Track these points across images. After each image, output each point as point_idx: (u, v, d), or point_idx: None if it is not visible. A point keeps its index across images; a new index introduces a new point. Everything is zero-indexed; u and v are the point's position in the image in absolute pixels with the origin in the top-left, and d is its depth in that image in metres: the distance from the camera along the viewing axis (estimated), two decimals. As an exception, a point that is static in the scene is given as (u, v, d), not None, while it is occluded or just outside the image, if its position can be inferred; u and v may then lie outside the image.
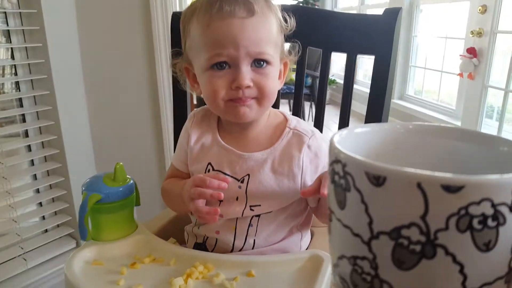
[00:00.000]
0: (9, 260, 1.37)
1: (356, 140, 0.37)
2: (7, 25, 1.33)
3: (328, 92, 5.15)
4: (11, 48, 1.37)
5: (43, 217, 1.51)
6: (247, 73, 0.65)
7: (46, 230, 1.51)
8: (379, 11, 0.86)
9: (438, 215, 0.26)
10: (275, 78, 0.70)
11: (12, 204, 1.34)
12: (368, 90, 0.88)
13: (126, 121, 1.52)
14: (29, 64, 1.39)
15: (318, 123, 0.95)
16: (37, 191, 1.48)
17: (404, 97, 3.97)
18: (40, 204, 1.50)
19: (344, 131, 0.36)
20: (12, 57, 1.38)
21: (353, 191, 0.29)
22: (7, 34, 1.36)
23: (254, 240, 0.72)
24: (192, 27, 0.68)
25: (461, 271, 0.27)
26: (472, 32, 2.80)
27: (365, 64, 4.73)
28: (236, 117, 0.69)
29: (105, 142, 1.53)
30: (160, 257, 0.69)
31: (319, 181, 0.62)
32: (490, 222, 0.26)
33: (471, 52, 2.79)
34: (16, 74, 1.40)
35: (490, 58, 2.69)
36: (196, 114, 0.79)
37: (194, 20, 0.67)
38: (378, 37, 0.85)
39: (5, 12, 1.32)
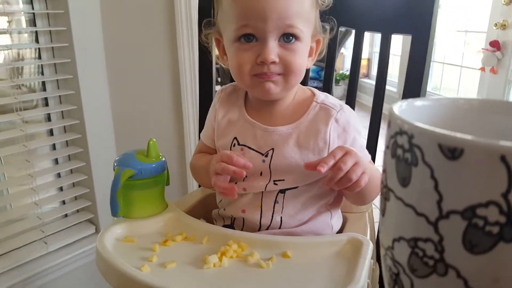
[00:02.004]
0: (30, 243, 1.37)
1: (416, 113, 0.33)
2: (33, 8, 1.33)
3: (342, 87, 5.09)
4: (36, 32, 1.36)
5: (63, 202, 1.51)
6: (273, 48, 0.64)
7: (66, 215, 1.51)
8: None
9: None
10: (304, 55, 0.68)
11: (34, 188, 1.34)
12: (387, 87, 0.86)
13: (147, 107, 1.51)
14: (52, 48, 1.38)
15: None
16: (58, 175, 1.48)
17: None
18: (61, 188, 1.50)
19: (404, 102, 0.33)
20: (37, 40, 1.37)
21: (421, 165, 0.26)
22: (33, 20, 1.36)
23: (281, 218, 0.71)
24: None
25: None
26: (495, 25, 2.73)
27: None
28: (262, 93, 0.68)
29: (127, 127, 1.52)
30: (192, 235, 0.68)
31: (330, 155, 0.62)
32: None
33: (495, 45, 2.72)
34: (40, 58, 1.39)
35: (515, 51, 2.63)
36: (224, 89, 0.79)
37: None
38: (415, 16, 0.82)
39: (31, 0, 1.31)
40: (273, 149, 0.70)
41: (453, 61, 3.60)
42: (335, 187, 0.63)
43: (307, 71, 0.98)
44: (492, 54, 2.72)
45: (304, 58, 0.68)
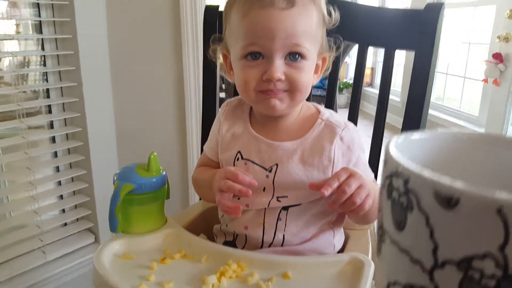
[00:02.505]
0: (28, 252, 1.36)
1: (414, 147, 0.33)
2: (40, 16, 1.33)
3: (345, 96, 5.10)
4: (42, 39, 1.36)
5: (63, 210, 1.50)
6: (279, 66, 0.64)
7: (65, 224, 1.50)
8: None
9: None
10: (309, 73, 0.69)
11: (34, 195, 1.34)
12: (390, 96, 0.86)
13: (150, 117, 1.51)
14: (58, 55, 1.39)
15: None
16: (59, 183, 1.48)
17: (425, 102, 3.90)
18: (61, 196, 1.49)
19: (401, 137, 0.32)
20: (42, 48, 1.37)
21: (416, 211, 0.25)
22: (39, 28, 1.36)
23: (284, 236, 0.70)
24: (232, 13, 0.67)
25: None
26: (498, 37, 2.73)
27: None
28: (267, 109, 0.68)
29: (129, 137, 1.52)
30: (191, 253, 0.67)
31: (334, 177, 0.62)
32: None
33: (497, 57, 2.73)
34: (45, 65, 1.40)
35: (518, 64, 2.63)
36: (229, 103, 0.79)
37: (235, 7, 0.67)
38: (419, 32, 0.81)
39: (38, 4, 1.31)
40: (277, 164, 0.69)
41: (456, 72, 3.60)
42: (339, 210, 0.63)
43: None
44: (495, 66, 2.72)
45: (310, 76, 0.69)
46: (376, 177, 0.81)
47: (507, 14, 2.65)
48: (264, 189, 0.70)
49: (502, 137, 0.34)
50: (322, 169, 0.69)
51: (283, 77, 0.64)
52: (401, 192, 0.26)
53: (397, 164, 0.27)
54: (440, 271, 0.25)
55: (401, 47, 0.87)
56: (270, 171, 0.70)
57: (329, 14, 0.71)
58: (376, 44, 0.92)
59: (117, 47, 1.43)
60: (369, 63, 5.06)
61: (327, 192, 0.59)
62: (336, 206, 0.61)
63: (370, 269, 0.60)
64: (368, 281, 0.58)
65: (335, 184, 0.60)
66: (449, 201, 0.23)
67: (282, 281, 0.59)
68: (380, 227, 0.30)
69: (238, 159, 0.72)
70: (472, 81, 3.34)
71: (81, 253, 1.46)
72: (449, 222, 0.24)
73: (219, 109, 0.81)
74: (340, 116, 0.74)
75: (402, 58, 3.86)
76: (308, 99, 0.84)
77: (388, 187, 0.28)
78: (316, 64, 0.72)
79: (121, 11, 1.40)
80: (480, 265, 0.23)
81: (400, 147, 0.29)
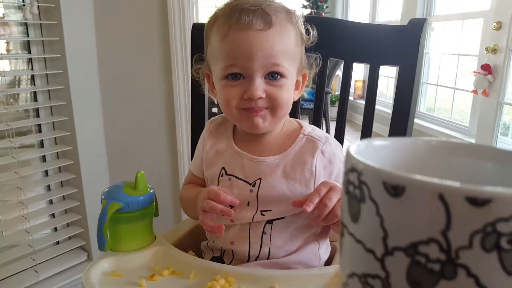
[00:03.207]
0: (21, 271, 1.35)
1: (375, 153, 0.34)
2: (28, 35, 1.34)
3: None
4: (30, 59, 1.37)
5: (55, 229, 1.49)
6: (260, 85, 0.66)
7: (57, 242, 1.50)
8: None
9: (461, 231, 0.24)
10: (290, 90, 0.70)
11: (25, 215, 1.33)
12: (379, 107, 0.87)
13: (141, 134, 1.51)
14: (47, 74, 1.39)
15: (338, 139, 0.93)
16: (50, 202, 1.47)
17: (416, 114, 3.93)
18: (53, 215, 1.49)
19: (363, 142, 0.33)
20: (31, 67, 1.38)
21: (368, 202, 0.27)
22: (27, 45, 1.37)
23: (269, 249, 0.71)
24: (212, 34, 0.69)
25: None
26: (486, 49, 2.78)
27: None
28: (250, 127, 0.69)
29: (120, 154, 1.52)
30: (179, 269, 0.67)
31: (315, 192, 0.63)
32: None
33: (486, 68, 2.76)
34: (34, 84, 1.40)
35: (506, 74, 2.66)
36: (213, 121, 0.80)
37: (214, 28, 0.68)
38: (403, 48, 0.83)
39: (26, 24, 1.33)
40: (260, 178, 0.70)
41: (447, 83, 3.64)
42: (322, 223, 0.63)
43: (297, 102, 1.00)
44: (484, 77, 2.75)
45: (290, 93, 0.70)
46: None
47: (494, 26, 2.69)
48: (248, 204, 0.71)
49: (459, 143, 0.36)
50: (304, 183, 0.70)
51: (263, 95, 0.66)
52: (356, 185, 0.28)
53: (352, 160, 0.29)
54: (390, 258, 0.26)
55: (385, 63, 0.88)
56: (253, 186, 0.70)
57: (307, 32, 0.73)
58: (361, 61, 0.94)
59: (107, 66, 1.44)
60: (360, 76, 5.10)
61: (309, 208, 0.60)
62: (319, 221, 0.62)
63: (357, 282, 0.60)
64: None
65: (316, 199, 0.61)
66: (395, 189, 0.25)
67: (269, 296, 0.60)
68: (341, 223, 0.31)
69: (222, 175, 0.73)
70: (462, 92, 3.37)
71: (73, 271, 1.45)
72: (397, 209, 0.25)
73: (205, 126, 0.82)
74: (321, 130, 0.76)
75: (393, 71, 3.91)
76: (294, 113, 0.86)
77: (346, 183, 0.30)
78: (297, 81, 0.73)
79: (110, 29, 1.42)
80: (426, 250, 0.24)
81: (361, 153, 0.30)
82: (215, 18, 0.69)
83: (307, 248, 0.72)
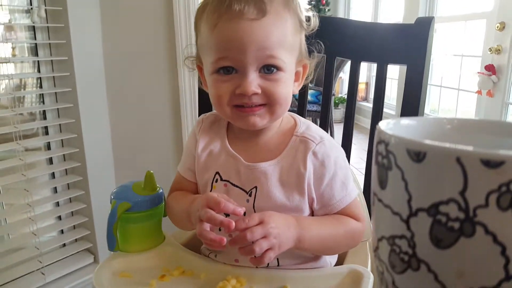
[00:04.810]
0: (28, 273, 1.35)
1: (402, 130, 0.36)
2: (35, 38, 1.35)
3: (341, 111, 5.12)
4: (37, 63, 1.38)
5: (62, 231, 1.50)
6: (253, 80, 0.60)
7: (64, 244, 1.50)
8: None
9: (478, 191, 0.25)
10: (288, 84, 0.64)
11: (32, 217, 1.34)
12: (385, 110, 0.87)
13: (148, 136, 1.52)
14: (54, 77, 1.40)
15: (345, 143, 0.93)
16: (57, 204, 1.48)
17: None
18: (59, 217, 1.49)
19: (392, 121, 0.35)
20: (38, 70, 1.39)
21: (394, 169, 0.29)
22: (35, 50, 1.38)
23: (278, 259, 0.67)
24: (202, 24, 0.63)
25: (503, 252, 0.26)
26: (490, 49, 2.77)
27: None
28: (247, 125, 0.64)
29: (126, 156, 1.52)
30: (189, 269, 0.67)
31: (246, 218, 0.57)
32: None
33: (490, 69, 2.75)
34: (41, 87, 1.41)
35: (510, 75, 2.65)
36: (205, 119, 0.74)
37: (204, 18, 0.62)
38: (410, 46, 0.83)
39: (33, 28, 1.33)
40: (256, 187, 0.65)
41: (450, 84, 3.63)
42: (239, 252, 0.57)
43: (303, 99, 1.00)
44: (488, 77, 2.74)
45: (288, 87, 0.64)
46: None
47: (497, 26, 2.69)
48: (244, 215, 0.61)
49: (477, 121, 0.39)
50: (302, 190, 0.64)
51: (258, 91, 0.60)
52: (383, 155, 0.31)
53: (381, 133, 0.31)
54: (415, 219, 0.28)
55: (393, 62, 0.88)
56: (250, 195, 0.65)
57: (308, 19, 0.67)
58: (368, 60, 0.94)
59: (113, 68, 1.44)
60: (363, 78, 5.10)
61: (228, 229, 0.55)
62: (234, 245, 0.57)
63: (370, 281, 0.60)
64: (367, 292, 0.58)
65: (241, 226, 0.55)
66: (418, 155, 0.27)
67: (281, 295, 0.60)
68: (372, 192, 0.34)
69: (217, 180, 0.68)
70: (466, 93, 3.36)
71: (80, 274, 1.45)
72: (419, 174, 0.28)
73: (195, 125, 0.76)
74: (319, 129, 0.70)
75: (396, 72, 3.90)
76: (302, 113, 0.84)
77: (375, 155, 0.32)
78: (297, 72, 0.68)
79: (116, 31, 1.42)
80: (446, 210, 0.27)
81: (391, 129, 0.32)
82: (204, 5, 0.63)
83: (315, 256, 0.69)
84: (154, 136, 1.50)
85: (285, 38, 0.61)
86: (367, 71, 5.07)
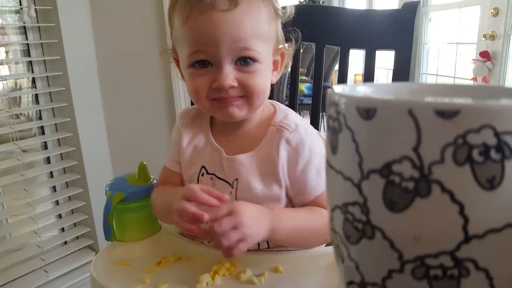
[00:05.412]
0: (30, 272, 1.37)
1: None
2: (27, 39, 1.36)
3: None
4: (31, 63, 1.39)
5: (63, 229, 1.51)
6: (229, 73, 0.59)
7: (65, 242, 1.51)
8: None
9: (432, 146, 0.24)
10: (265, 75, 0.63)
11: (32, 216, 1.35)
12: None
13: (143, 132, 1.53)
14: (47, 77, 1.41)
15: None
16: (57, 203, 1.49)
17: (418, 104, 3.93)
18: (60, 216, 1.50)
19: (347, 86, 0.33)
20: (31, 70, 1.40)
21: (344, 130, 0.27)
22: (27, 52, 1.39)
23: (268, 242, 0.67)
24: (175, 17, 0.62)
25: (461, 212, 0.24)
26: (484, 36, 2.78)
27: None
28: (226, 117, 0.64)
29: (123, 152, 1.53)
30: (185, 256, 0.68)
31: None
32: (494, 154, 0.23)
33: (485, 55, 2.76)
34: (35, 87, 1.42)
35: (505, 60, 2.66)
36: (187, 113, 0.73)
37: (176, 10, 0.61)
38: (398, 32, 0.84)
39: (24, 27, 1.34)
40: (237, 179, 0.64)
41: (446, 73, 3.63)
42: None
43: (293, 96, 1.01)
44: (483, 64, 2.75)
45: (265, 78, 0.63)
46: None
47: (491, 12, 2.69)
48: None
49: (437, 86, 0.36)
50: (277, 179, 0.64)
51: (235, 84, 0.60)
52: (334, 118, 0.29)
53: (332, 94, 0.29)
54: (366, 182, 0.27)
55: (381, 48, 0.89)
56: (232, 187, 0.65)
57: (283, 7, 0.66)
58: (357, 47, 0.95)
59: (106, 65, 1.45)
60: (359, 70, 5.09)
61: (202, 218, 0.54)
62: (205, 239, 0.56)
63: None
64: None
65: (211, 217, 0.54)
66: (368, 111, 0.25)
67: (274, 275, 0.61)
68: (326, 161, 0.32)
69: (203, 174, 0.67)
70: (462, 81, 3.37)
71: (82, 270, 1.47)
72: (370, 132, 0.26)
73: (177, 119, 0.75)
74: (297, 117, 0.68)
75: (391, 64, 3.91)
76: (293, 107, 0.85)
77: (327, 120, 0.30)
78: (275, 60, 0.66)
79: (108, 29, 1.43)
80: (399, 169, 0.25)
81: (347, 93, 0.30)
82: None
83: None
84: (149, 132, 1.52)
85: (259, 28, 0.60)
86: (363, 63, 5.07)
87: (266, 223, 0.58)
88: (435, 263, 0.25)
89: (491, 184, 0.23)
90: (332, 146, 0.29)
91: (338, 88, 0.30)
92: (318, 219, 0.63)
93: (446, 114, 0.23)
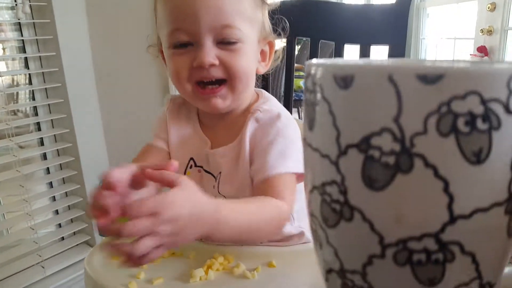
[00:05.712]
0: (27, 268, 1.37)
1: None
2: (22, 35, 1.35)
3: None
4: (26, 58, 1.39)
5: (59, 225, 1.51)
6: (210, 50, 0.56)
7: (62, 238, 1.52)
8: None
9: (414, 115, 0.21)
10: (249, 57, 0.60)
11: (29, 212, 1.35)
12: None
13: (140, 128, 1.52)
14: (43, 73, 1.41)
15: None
16: (53, 199, 1.49)
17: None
18: (57, 212, 1.51)
19: (327, 60, 0.29)
20: (27, 67, 1.40)
21: (321, 102, 0.25)
22: (23, 49, 1.39)
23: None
24: (157, 3, 0.61)
25: (446, 189, 0.22)
26: (482, 31, 2.77)
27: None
28: (208, 108, 0.61)
29: (119, 148, 1.53)
30: (179, 250, 0.68)
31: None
32: (480, 124, 0.21)
33: (482, 50, 2.76)
34: (30, 83, 1.42)
35: (503, 55, 2.66)
36: (173, 100, 0.70)
37: None
38: (391, 26, 0.84)
39: (19, 24, 1.34)
40: (220, 172, 0.63)
41: (444, 68, 3.64)
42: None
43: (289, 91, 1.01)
44: (480, 59, 2.75)
45: (250, 61, 0.60)
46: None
47: (488, 7, 2.69)
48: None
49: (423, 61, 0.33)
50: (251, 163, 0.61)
51: (216, 62, 0.56)
52: (311, 90, 0.26)
53: (308, 66, 0.27)
54: (344, 158, 0.24)
55: (375, 42, 0.89)
56: (216, 180, 0.64)
57: None
58: (351, 42, 0.95)
59: (102, 61, 1.45)
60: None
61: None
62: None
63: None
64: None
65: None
66: (345, 80, 0.23)
67: (267, 270, 0.61)
68: (303, 140, 0.29)
69: (191, 166, 0.66)
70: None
71: (80, 266, 1.47)
72: (347, 102, 0.24)
73: (164, 105, 0.72)
74: (277, 105, 0.66)
75: (385, 58, 3.90)
76: (288, 104, 0.85)
77: (304, 93, 0.28)
78: (263, 50, 0.65)
79: (103, 25, 1.43)
80: (379, 142, 0.22)
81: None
82: None
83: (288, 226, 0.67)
84: (145, 128, 1.51)
85: (242, 8, 0.58)
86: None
87: (203, 225, 0.48)
88: (418, 246, 0.23)
89: (478, 157, 0.21)
90: (309, 121, 0.27)
91: (316, 60, 0.28)
92: (269, 212, 0.58)
93: (429, 78, 0.21)
